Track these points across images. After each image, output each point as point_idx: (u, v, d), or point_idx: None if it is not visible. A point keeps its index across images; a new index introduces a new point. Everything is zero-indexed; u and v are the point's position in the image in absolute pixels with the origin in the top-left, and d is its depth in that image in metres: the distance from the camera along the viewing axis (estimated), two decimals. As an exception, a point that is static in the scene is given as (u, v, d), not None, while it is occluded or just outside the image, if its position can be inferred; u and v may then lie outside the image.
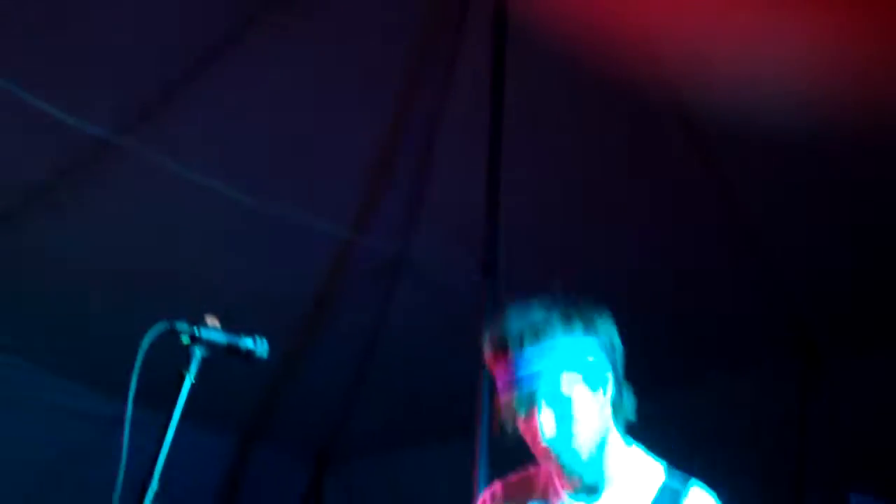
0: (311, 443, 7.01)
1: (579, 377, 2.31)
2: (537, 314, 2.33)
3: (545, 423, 2.30)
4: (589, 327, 2.34)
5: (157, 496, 2.01)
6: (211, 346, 2.13)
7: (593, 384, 2.33)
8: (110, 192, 5.16)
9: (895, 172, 4.64)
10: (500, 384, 2.34)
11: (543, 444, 2.32)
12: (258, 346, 2.20)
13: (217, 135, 5.09)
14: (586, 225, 5.46)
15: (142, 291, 5.17)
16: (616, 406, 2.39)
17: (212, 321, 2.14)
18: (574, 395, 2.30)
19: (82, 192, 5.13)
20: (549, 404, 2.30)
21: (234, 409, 6.85)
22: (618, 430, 2.43)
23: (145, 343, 2.04)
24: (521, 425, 2.35)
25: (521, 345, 2.29)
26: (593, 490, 2.40)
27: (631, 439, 2.48)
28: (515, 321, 2.33)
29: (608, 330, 2.39)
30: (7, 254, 5.17)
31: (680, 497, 2.37)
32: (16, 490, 6.40)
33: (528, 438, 2.35)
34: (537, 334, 2.30)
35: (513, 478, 2.59)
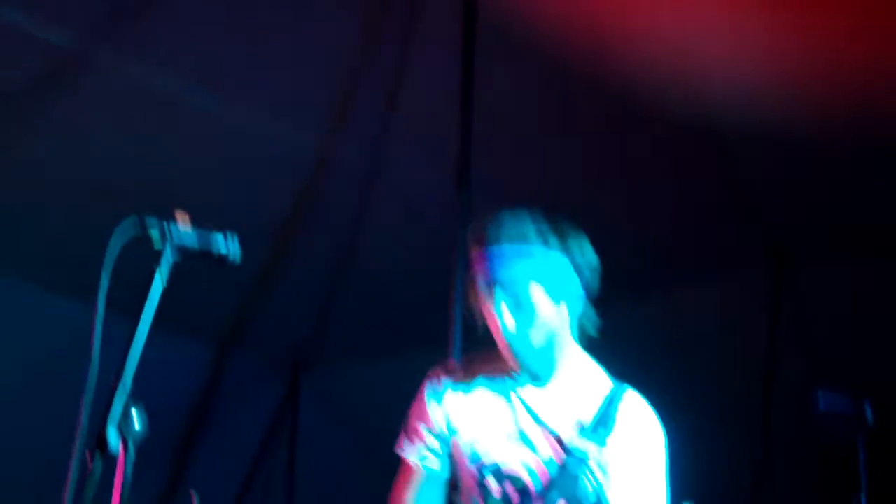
0: (287, 351, 7.07)
1: (543, 288, 2.49)
2: (519, 220, 2.51)
3: (506, 321, 2.49)
4: (564, 244, 2.52)
5: (130, 398, 2.03)
6: (181, 247, 2.13)
7: (556, 297, 2.51)
8: (82, 101, 5.13)
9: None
10: (474, 274, 2.53)
11: (503, 338, 2.52)
12: (230, 247, 2.21)
13: (191, 42, 5.05)
14: (559, 137, 5.47)
15: (116, 200, 5.16)
16: (577, 320, 2.60)
17: (182, 218, 2.14)
18: (536, 303, 2.49)
19: (54, 103, 5.10)
20: (511, 306, 2.49)
21: (210, 318, 6.89)
22: (575, 339, 2.64)
23: (114, 238, 2.05)
24: (487, 315, 2.54)
25: (499, 244, 2.49)
26: (538, 378, 2.61)
27: (585, 350, 2.68)
28: (499, 221, 2.52)
29: (582, 250, 2.56)
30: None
31: (615, 401, 2.58)
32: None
33: (491, 328, 2.54)
34: (515, 238, 2.49)
35: (460, 365, 2.80)
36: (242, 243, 2.26)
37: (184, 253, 2.17)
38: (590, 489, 2.50)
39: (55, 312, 6.11)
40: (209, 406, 7.42)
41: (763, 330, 5.81)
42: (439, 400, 2.70)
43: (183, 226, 2.16)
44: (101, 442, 1.98)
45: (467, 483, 2.63)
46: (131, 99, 5.13)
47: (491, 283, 2.48)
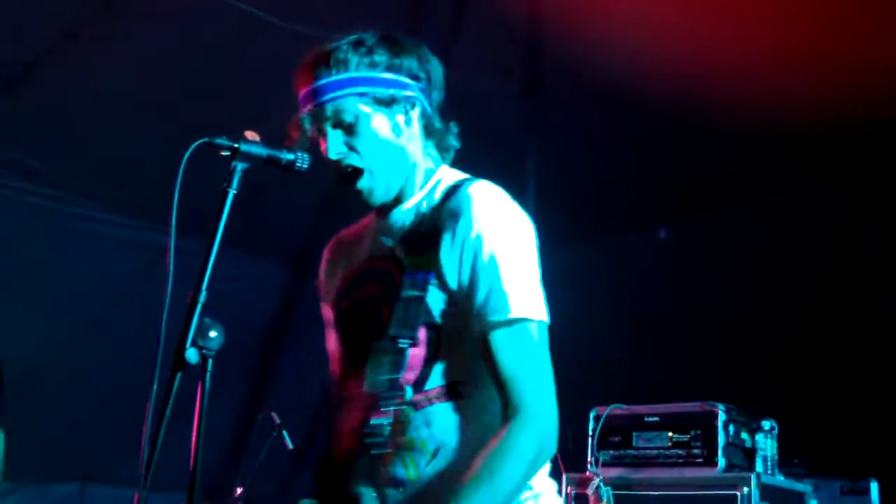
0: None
1: (371, 105, 2.32)
2: (337, 45, 2.34)
3: (331, 141, 2.32)
4: (394, 60, 2.34)
5: (206, 314, 2.04)
6: (251, 157, 2.13)
7: (388, 112, 2.34)
8: (148, 24, 5.12)
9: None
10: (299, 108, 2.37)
11: (332, 161, 2.34)
12: (298, 155, 2.20)
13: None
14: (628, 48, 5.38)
15: (187, 122, 5.18)
16: (427, 131, 2.42)
17: (251, 136, 2.14)
18: (364, 121, 2.32)
19: (123, 25, 5.10)
20: (335, 125, 2.32)
21: (288, 239, 6.96)
22: (430, 155, 2.46)
23: (185, 158, 2.05)
24: (321, 146, 2.36)
25: (317, 73, 2.31)
26: (391, 205, 2.42)
27: (441, 162, 2.49)
28: (316, 52, 2.34)
29: (419, 62, 2.39)
30: (52, 90, 5.18)
31: (462, 188, 2.35)
32: (78, 319, 6.61)
33: (326, 160, 2.36)
34: (335, 64, 2.31)
35: (350, 228, 2.64)
36: (320, 163, 2.26)
37: (252, 160, 2.15)
38: (440, 306, 2.29)
39: (137, 238, 6.21)
40: (287, 326, 7.53)
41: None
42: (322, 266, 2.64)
43: (252, 141, 2.16)
44: (180, 358, 1.99)
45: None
46: (203, 15, 5.10)
47: (308, 109, 2.32)
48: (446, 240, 2.28)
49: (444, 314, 2.28)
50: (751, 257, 6.52)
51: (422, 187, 2.42)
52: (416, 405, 2.27)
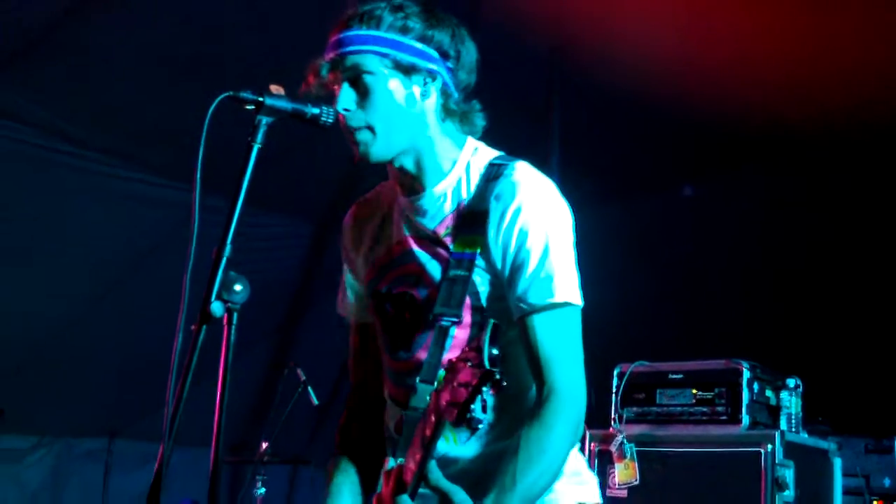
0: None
1: (390, 69, 2.31)
2: (377, 4, 2.34)
3: (343, 94, 2.31)
4: (427, 31, 2.34)
5: (231, 267, 2.04)
6: (275, 111, 2.12)
7: (405, 80, 2.33)
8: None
9: None
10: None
11: (341, 115, 2.32)
12: (324, 113, 2.19)
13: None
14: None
15: (214, 79, 5.17)
16: (445, 110, 2.39)
17: (276, 89, 2.13)
18: (378, 81, 2.31)
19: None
20: (351, 80, 2.32)
21: (312, 197, 6.97)
22: (450, 133, 2.42)
23: (210, 112, 2.04)
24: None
25: (349, 24, 2.32)
26: (418, 184, 2.41)
27: (465, 138, 2.46)
28: (358, 9, 2.34)
29: (451, 39, 2.38)
30: (78, 49, 5.18)
31: (504, 169, 2.37)
32: (104, 276, 6.66)
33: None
34: (367, 20, 2.31)
35: (369, 195, 2.64)
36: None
37: (276, 114, 2.14)
38: (483, 288, 2.32)
39: (164, 196, 6.24)
40: (313, 282, 7.56)
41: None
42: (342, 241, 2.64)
43: (276, 94, 2.15)
44: (204, 311, 2.00)
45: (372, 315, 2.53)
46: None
47: (331, 58, 2.32)
48: (493, 223, 2.31)
49: (490, 297, 2.32)
50: (776, 213, 6.48)
51: (452, 166, 2.41)
52: None
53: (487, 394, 1.98)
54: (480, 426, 1.88)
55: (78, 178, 5.97)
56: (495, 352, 1.90)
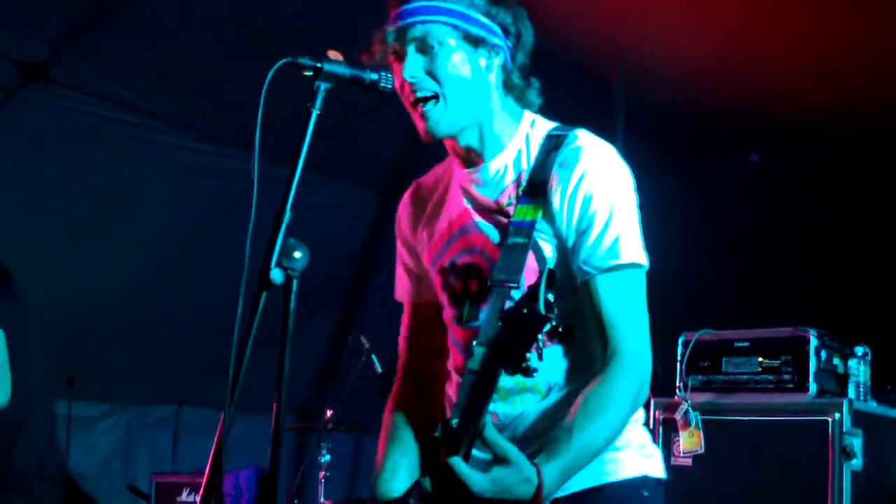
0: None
1: (458, 39, 2.32)
2: None
3: (410, 62, 2.32)
4: (491, 8, 2.36)
5: (291, 234, 2.04)
6: (334, 77, 2.12)
7: (472, 52, 2.34)
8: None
9: None
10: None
11: (406, 83, 2.33)
12: (383, 78, 2.19)
13: None
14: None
15: (276, 48, 5.18)
16: (506, 85, 2.41)
17: (334, 55, 2.13)
18: (447, 51, 2.32)
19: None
20: (418, 49, 2.33)
21: (376, 166, 6.98)
22: (509, 108, 2.44)
23: (269, 77, 2.04)
24: (395, 73, 2.33)
25: None
26: (477, 156, 2.43)
27: (522, 112, 2.47)
28: None
29: (513, 19, 2.40)
30: (140, 20, 5.22)
31: (566, 138, 2.38)
32: (170, 245, 6.75)
33: (397, 85, 2.33)
34: None
35: (428, 177, 2.65)
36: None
37: (335, 80, 2.14)
38: (547, 254, 2.33)
39: (227, 166, 6.29)
40: (377, 250, 7.59)
41: None
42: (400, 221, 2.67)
43: (335, 59, 2.15)
44: (265, 278, 2.00)
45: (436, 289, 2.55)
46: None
47: (396, 27, 2.33)
48: (557, 189, 2.33)
49: (556, 262, 2.33)
50: (843, 182, 6.37)
51: (511, 139, 2.43)
52: None
53: (543, 342, 1.98)
54: (535, 375, 1.90)
55: (145, 149, 6.05)
56: (550, 297, 1.90)
